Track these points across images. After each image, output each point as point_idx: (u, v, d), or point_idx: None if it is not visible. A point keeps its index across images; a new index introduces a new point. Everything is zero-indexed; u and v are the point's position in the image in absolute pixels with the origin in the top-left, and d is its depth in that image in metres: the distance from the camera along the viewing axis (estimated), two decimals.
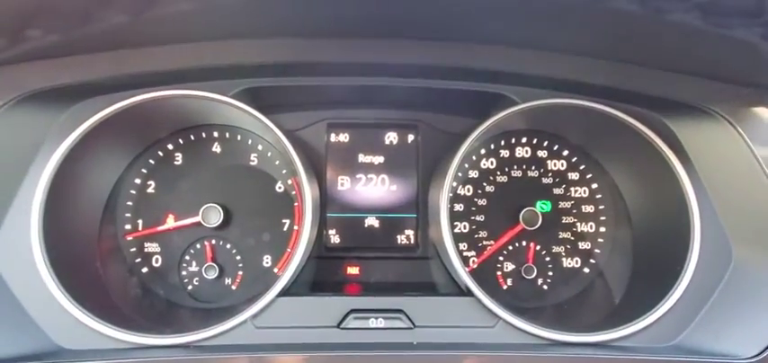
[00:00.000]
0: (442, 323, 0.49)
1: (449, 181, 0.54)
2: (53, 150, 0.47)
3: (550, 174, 0.62)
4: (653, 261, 0.54)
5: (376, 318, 0.49)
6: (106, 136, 0.51)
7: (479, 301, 0.49)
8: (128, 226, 0.58)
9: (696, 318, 0.47)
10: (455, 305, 0.50)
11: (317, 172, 0.59)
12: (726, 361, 0.44)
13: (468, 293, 0.50)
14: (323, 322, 0.49)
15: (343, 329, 0.49)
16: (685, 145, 0.49)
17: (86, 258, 0.51)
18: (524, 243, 0.61)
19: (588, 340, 0.47)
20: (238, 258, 0.59)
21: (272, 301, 0.49)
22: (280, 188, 0.60)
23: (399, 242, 0.61)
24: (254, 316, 0.48)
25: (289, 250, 0.59)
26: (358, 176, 0.61)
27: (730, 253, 0.47)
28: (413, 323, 0.49)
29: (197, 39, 0.45)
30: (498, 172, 0.61)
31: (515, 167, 0.62)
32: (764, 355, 0.43)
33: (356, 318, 0.49)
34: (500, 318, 0.49)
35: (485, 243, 0.60)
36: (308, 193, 0.52)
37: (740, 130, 0.49)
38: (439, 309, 0.50)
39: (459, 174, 0.58)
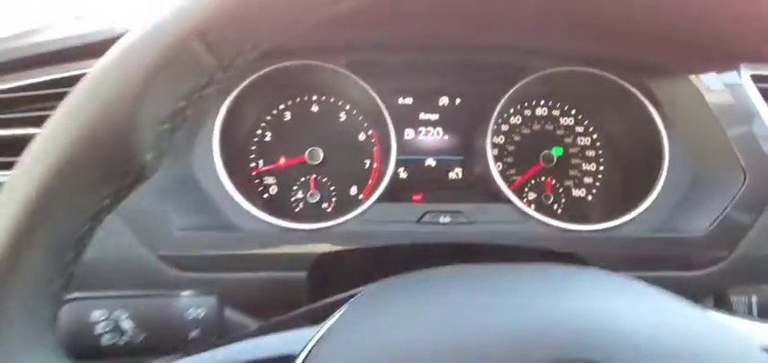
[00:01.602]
0: (490, 220, 0.70)
1: (490, 131, 0.74)
2: (225, 97, 0.68)
3: (562, 128, 0.82)
4: (635, 180, 0.74)
5: (444, 216, 0.69)
6: (254, 94, 0.72)
7: (514, 205, 0.70)
8: (252, 164, 0.79)
9: (666, 213, 0.68)
10: (497, 209, 0.71)
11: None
12: (688, 234, 0.64)
13: (507, 202, 0.71)
14: (406, 218, 0.70)
15: (421, 223, 0.69)
16: (658, 95, 0.70)
17: (243, 170, 0.72)
18: (543, 178, 0.81)
19: (596, 227, 0.68)
20: (332, 188, 0.79)
21: (369, 206, 0.70)
22: (362, 137, 0.81)
23: (449, 177, 0.82)
24: (361, 214, 0.69)
25: (371, 182, 0.80)
26: (419, 129, 0.82)
27: (691, 167, 0.68)
28: (470, 221, 0.69)
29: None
30: (523, 126, 0.82)
31: (535, 122, 0.82)
32: (712, 227, 0.64)
33: (430, 215, 0.69)
34: (531, 217, 0.70)
35: (514, 177, 0.81)
36: (387, 141, 0.73)
37: (695, 84, 0.69)
38: (486, 211, 0.70)
39: (494, 127, 0.78)
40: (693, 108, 0.68)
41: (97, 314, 0.43)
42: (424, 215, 0.69)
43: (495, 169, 0.72)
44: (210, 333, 0.47)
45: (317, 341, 0.32)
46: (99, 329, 0.43)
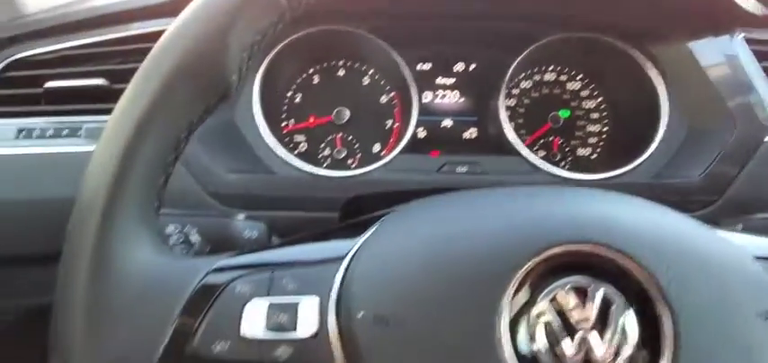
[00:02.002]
0: (503, 170, 0.77)
1: (502, 94, 0.81)
2: (262, 60, 0.75)
3: (569, 92, 0.89)
4: (636, 138, 0.81)
5: (462, 166, 0.77)
6: (286, 59, 0.79)
7: (525, 158, 0.77)
8: (284, 123, 0.86)
9: (663, 163, 0.75)
10: (510, 160, 0.78)
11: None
12: (683, 181, 0.71)
13: (518, 155, 0.78)
14: (426, 168, 0.77)
15: (440, 173, 0.77)
16: (657, 58, 0.77)
17: (276, 130, 0.79)
18: (551, 138, 0.88)
19: (600, 177, 0.75)
20: (357, 146, 0.86)
21: (393, 158, 0.77)
22: (384, 99, 0.88)
23: (464, 136, 0.88)
24: (384, 165, 0.76)
25: (392, 140, 0.87)
26: (436, 92, 0.88)
27: (687, 122, 0.75)
28: (485, 171, 0.77)
29: None
30: (532, 90, 0.89)
31: (544, 87, 0.89)
32: (704, 174, 0.71)
33: (448, 166, 0.77)
34: (540, 168, 0.77)
35: (524, 137, 0.88)
36: (408, 103, 0.80)
37: (691, 47, 0.76)
38: (500, 163, 0.77)
39: (506, 91, 0.85)
40: (689, 68, 0.74)
41: (171, 228, 0.50)
42: (442, 165, 0.76)
43: (508, 126, 0.78)
44: None
45: (360, 246, 0.39)
46: (172, 241, 0.50)
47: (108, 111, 0.66)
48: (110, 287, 0.35)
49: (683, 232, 0.37)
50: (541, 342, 0.33)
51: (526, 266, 0.34)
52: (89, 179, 0.36)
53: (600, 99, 0.88)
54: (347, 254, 0.38)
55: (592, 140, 0.88)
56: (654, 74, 0.77)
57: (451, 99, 0.88)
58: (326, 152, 0.86)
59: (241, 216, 0.54)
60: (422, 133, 0.88)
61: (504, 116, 0.79)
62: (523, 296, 0.34)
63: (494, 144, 0.82)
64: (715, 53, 0.74)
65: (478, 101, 0.88)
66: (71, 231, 0.36)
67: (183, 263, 0.39)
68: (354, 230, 0.41)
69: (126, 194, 0.36)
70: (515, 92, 0.88)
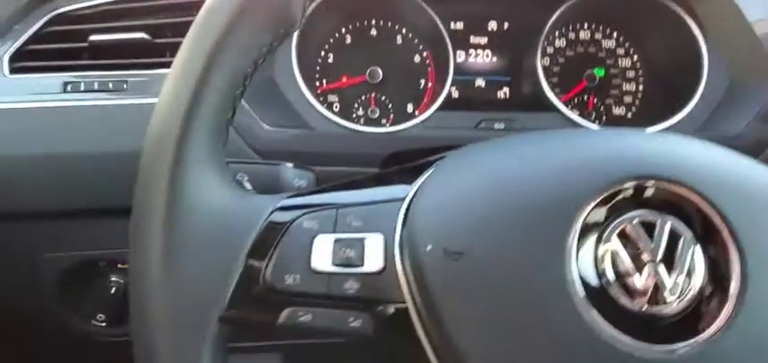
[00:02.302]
0: (541, 127, 0.77)
1: (540, 51, 0.81)
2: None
3: (604, 50, 0.88)
4: (674, 95, 0.80)
5: (499, 123, 0.77)
6: (318, 19, 0.79)
7: (563, 114, 0.77)
8: (317, 83, 0.86)
9: (704, 117, 0.74)
10: (547, 117, 0.77)
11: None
12: (724, 134, 0.71)
13: (555, 111, 0.78)
14: (464, 125, 0.77)
15: (477, 129, 0.77)
16: (697, 9, 0.76)
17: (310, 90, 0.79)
18: (586, 97, 0.88)
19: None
20: (390, 105, 0.86)
21: (430, 115, 0.77)
22: (417, 59, 0.87)
23: (497, 96, 0.88)
24: (422, 122, 0.76)
25: (426, 100, 0.87)
26: (469, 51, 0.88)
27: (728, 76, 0.74)
28: (523, 127, 0.77)
29: None
30: (567, 49, 0.88)
31: (579, 45, 0.88)
32: (747, 126, 0.70)
33: (486, 122, 0.77)
34: (578, 124, 0.76)
35: (559, 96, 0.87)
36: (443, 61, 0.80)
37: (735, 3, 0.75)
38: (537, 119, 0.77)
39: (540, 50, 0.84)
40: (732, 21, 0.73)
41: None
42: (480, 122, 0.76)
43: (545, 84, 0.78)
44: None
45: (422, 184, 0.39)
46: None
47: (151, 66, 0.67)
48: (184, 221, 0.35)
49: (753, 173, 0.37)
50: (610, 275, 0.33)
51: (595, 200, 0.34)
52: (160, 114, 0.37)
53: (635, 57, 0.87)
54: (408, 193, 0.39)
55: (627, 99, 0.87)
56: (693, 24, 0.76)
57: (485, 58, 0.88)
58: (360, 111, 0.86)
59: (289, 164, 0.55)
60: (455, 93, 0.87)
61: (541, 74, 0.78)
62: (592, 229, 0.34)
63: (529, 103, 0.82)
64: (759, 6, 0.73)
65: (512, 60, 0.87)
66: (144, 169, 0.37)
67: (250, 199, 0.40)
68: (411, 173, 0.41)
69: (198, 127, 0.36)
70: (550, 50, 0.88)
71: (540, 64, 0.79)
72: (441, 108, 0.78)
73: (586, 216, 0.34)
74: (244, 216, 0.37)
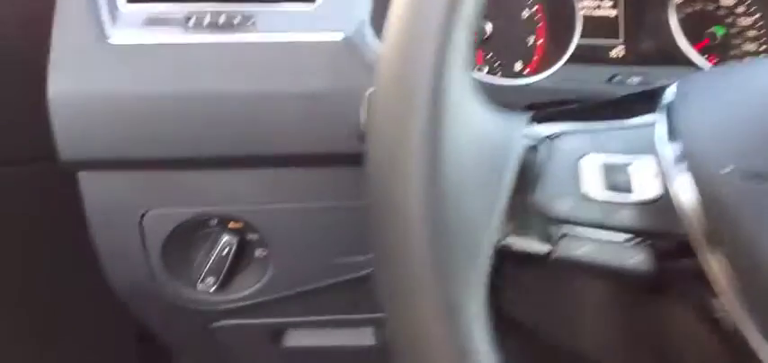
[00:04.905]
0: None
1: (673, 5, 0.76)
2: None
3: (724, 9, 0.83)
4: None
5: (635, 77, 0.71)
6: None
7: (697, 66, 0.72)
8: None
9: None
10: (682, 70, 0.72)
11: None
12: None
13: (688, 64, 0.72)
14: (596, 79, 0.71)
15: (611, 83, 0.71)
16: None
17: None
18: (706, 56, 0.82)
19: None
20: (498, 63, 0.81)
21: (560, 67, 0.71)
22: (526, 14, 0.82)
23: (611, 55, 0.83)
24: (552, 74, 0.70)
25: (536, 58, 0.81)
26: (584, 14, 0.82)
27: None
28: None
29: None
30: (687, 7, 0.83)
31: (698, 4, 0.83)
32: None
33: (620, 76, 0.71)
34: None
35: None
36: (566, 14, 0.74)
37: None
38: (672, 73, 0.71)
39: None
40: None
41: None
42: (614, 76, 0.70)
43: (680, 36, 0.73)
44: None
45: (677, 110, 0.34)
46: None
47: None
48: (451, 133, 0.30)
49: None
50: None
51: None
52: (407, 19, 0.31)
53: (757, 16, 0.82)
54: (662, 116, 0.33)
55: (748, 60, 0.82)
56: None
57: (610, 12, 0.82)
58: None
59: None
60: (577, 49, 0.82)
61: (675, 26, 0.73)
62: None
63: (658, 58, 0.76)
64: None
65: (627, 18, 0.82)
66: (392, 79, 0.30)
67: (504, 117, 0.34)
68: (647, 99, 0.36)
69: (457, 37, 0.31)
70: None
71: (674, 16, 0.73)
72: (568, 62, 0.72)
73: None
74: (506, 133, 0.32)
